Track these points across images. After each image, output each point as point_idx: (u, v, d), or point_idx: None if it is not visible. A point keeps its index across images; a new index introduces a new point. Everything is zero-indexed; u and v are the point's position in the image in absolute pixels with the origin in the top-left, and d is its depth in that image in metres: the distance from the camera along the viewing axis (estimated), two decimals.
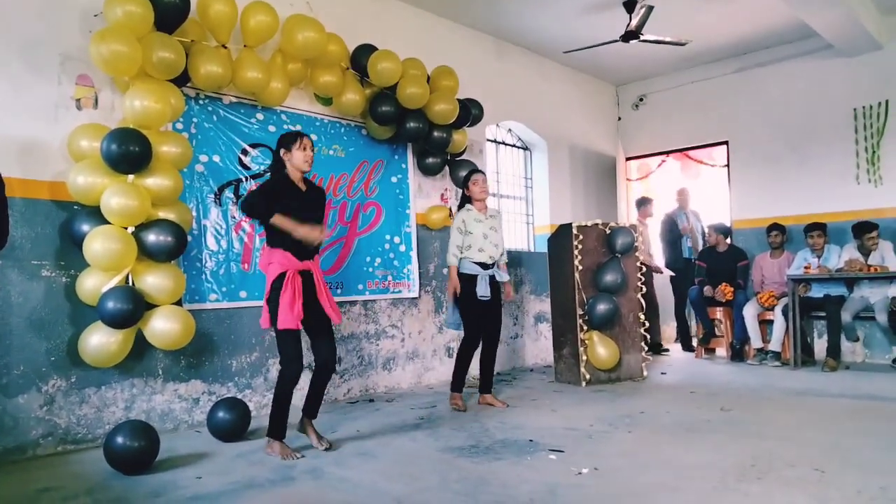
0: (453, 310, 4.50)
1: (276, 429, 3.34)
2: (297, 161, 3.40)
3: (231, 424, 3.63)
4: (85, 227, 3.47)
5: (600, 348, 5.13)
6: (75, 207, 3.59)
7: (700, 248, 7.22)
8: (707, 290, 6.58)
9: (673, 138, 7.86)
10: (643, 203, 7.41)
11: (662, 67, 7.61)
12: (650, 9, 5.40)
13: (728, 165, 7.44)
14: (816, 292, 6.03)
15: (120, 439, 3.03)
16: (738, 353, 6.42)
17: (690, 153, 8.03)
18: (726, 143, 7.43)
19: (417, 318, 5.51)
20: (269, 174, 3.58)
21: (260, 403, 4.36)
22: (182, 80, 3.89)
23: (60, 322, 3.55)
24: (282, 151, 3.43)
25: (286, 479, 2.95)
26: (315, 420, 3.54)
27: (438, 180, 5.73)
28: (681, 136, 7.80)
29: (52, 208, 3.57)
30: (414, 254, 5.47)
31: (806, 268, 5.94)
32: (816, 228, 6.07)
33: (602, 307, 5.12)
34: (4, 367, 3.33)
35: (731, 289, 6.43)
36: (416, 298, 5.48)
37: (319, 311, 3.40)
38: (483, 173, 4.64)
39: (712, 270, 6.66)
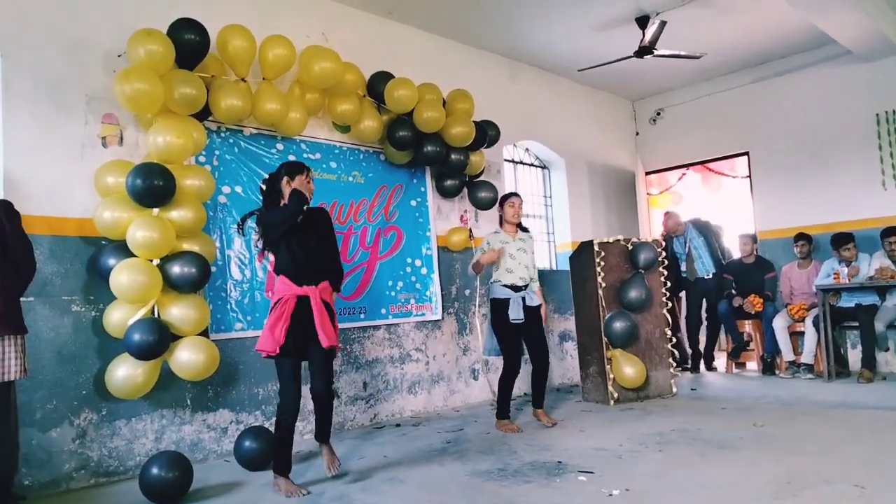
0: (490, 336, 4.45)
1: (279, 465, 3.21)
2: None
3: (258, 453, 3.64)
4: (112, 261, 3.53)
5: (626, 367, 5.05)
6: (102, 242, 3.67)
7: (701, 267, 6.94)
8: (736, 300, 6.47)
9: (692, 151, 7.82)
10: (669, 218, 7.30)
11: (678, 81, 7.59)
12: (663, 24, 5.41)
13: (750, 176, 7.36)
14: (846, 301, 5.90)
15: (155, 470, 3.06)
16: (769, 367, 6.29)
17: (711, 165, 7.97)
18: (747, 153, 7.36)
19: (441, 340, 5.50)
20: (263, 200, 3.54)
21: None
22: (203, 114, 3.97)
23: (90, 356, 3.61)
24: (284, 180, 3.37)
25: None
26: (340, 443, 3.53)
27: (457, 202, 5.75)
28: (700, 149, 7.75)
29: (80, 244, 3.65)
30: (436, 276, 5.48)
31: (835, 276, 5.82)
32: (847, 241, 5.89)
33: (618, 325, 5.05)
34: (38, 402, 3.39)
35: (760, 300, 6.32)
36: (439, 321, 5.48)
37: (316, 337, 3.25)
38: (520, 197, 4.64)
39: (740, 282, 6.56)
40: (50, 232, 3.49)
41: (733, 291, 6.57)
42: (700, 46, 6.14)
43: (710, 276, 6.78)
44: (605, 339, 5.11)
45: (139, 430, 3.73)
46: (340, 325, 4.76)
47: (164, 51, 3.65)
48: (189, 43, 3.80)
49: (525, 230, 4.64)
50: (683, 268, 6.93)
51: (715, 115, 7.57)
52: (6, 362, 2.96)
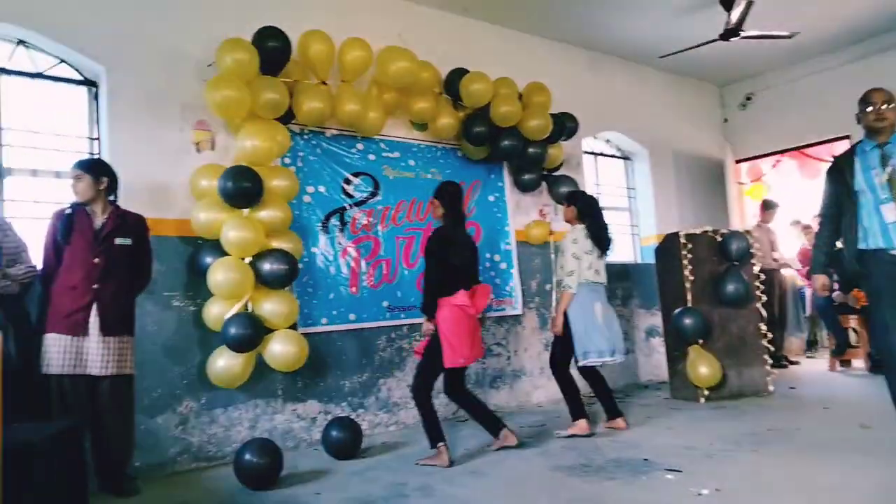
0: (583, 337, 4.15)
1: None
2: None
3: (345, 443, 3.76)
4: (208, 260, 3.76)
5: (701, 366, 4.78)
6: (199, 242, 3.89)
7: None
8: (837, 295, 6.07)
9: (787, 136, 7.39)
10: (767, 207, 6.93)
11: (770, 63, 7.19)
12: (750, 3, 5.14)
13: None
14: None
15: (248, 456, 3.23)
16: (878, 365, 5.85)
17: (808, 151, 7.50)
18: (847, 137, 6.87)
19: (522, 335, 5.47)
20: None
21: (372, 423, 4.49)
22: (287, 117, 4.14)
23: (190, 348, 3.85)
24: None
25: (399, 496, 3.00)
26: (423, 436, 3.64)
27: (536, 196, 5.70)
28: (796, 134, 7.31)
29: (179, 244, 3.89)
30: (515, 271, 5.45)
31: None
32: None
33: (687, 321, 4.82)
34: (145, 391, 3.64)
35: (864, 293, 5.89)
36: (519, 315, 5.45)
37: None
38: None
39: (843, 275, 6.13)
40: (152, 233, 3.73)
41: (835, 286, 6.15)
42: (792, 25, 5.78)
43: None
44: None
45: (235, 419, 3.94)
46: (422, 320, 4.85)
47: (250, 58, 3.83)
48: (272, 50, 3.97)
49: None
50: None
51: (811, 98, 7.12)
52: (128, 358, 3.26)
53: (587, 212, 4.21)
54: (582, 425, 4.01)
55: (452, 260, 3.61)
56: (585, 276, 4.10)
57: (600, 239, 4.16)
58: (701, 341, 4.90)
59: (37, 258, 3.28)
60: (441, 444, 3.53)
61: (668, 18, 5.82)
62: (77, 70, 3.88)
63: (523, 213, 5.60)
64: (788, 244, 7.17)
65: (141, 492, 3.26)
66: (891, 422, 3.86)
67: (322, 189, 4.52)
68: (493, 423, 3.77)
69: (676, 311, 4.93)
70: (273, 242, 3.90)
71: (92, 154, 3.84)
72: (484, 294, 3.77)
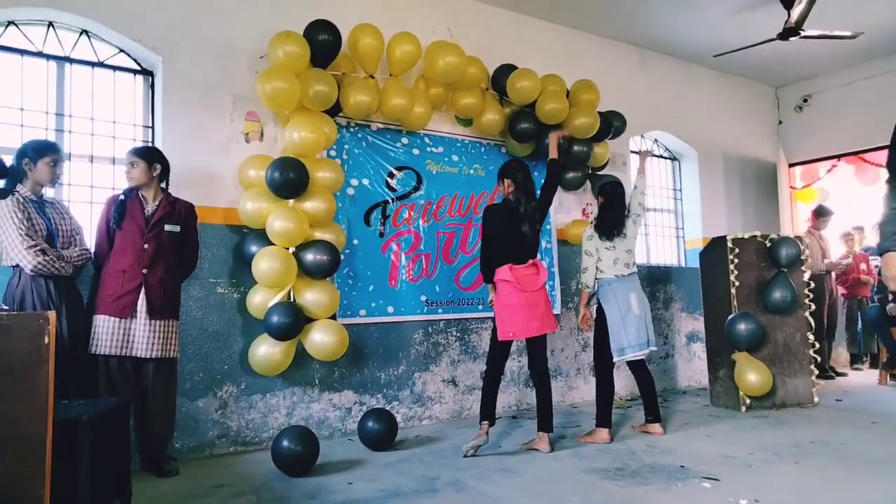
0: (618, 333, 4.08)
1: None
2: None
3: (381, 434, 3.80)
4: (253, 248, 3.84)
5: (750, 373, 4.65)
6: (245, 231, 3.98)
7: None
8: (891, 308, 5.84)
9: (844, 140, 7.12)
10: (821, 213, 6.70)
11: (829, 64, 6.94)
12: (812, 1, 4.96)
13: None
14: None
15: (286, 443, 3.29)
16: None
17: (866, 156, 7.22)
18: None
19: (560, 335, 5.43)
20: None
21: (406, 415, 4.53)
22: (335, 110, 4.18)
23: (232, 334, 3.94)
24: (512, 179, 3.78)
25: (430, 490, 3.02)
26: (456, 430, 3.61)
27: (579, 195, 5.64)
28: (854, 138, 7.04)
29: (226, 232, 3.99)
30: (555, 270, 5.41)
31: None
32: None
33: (743, 326, 4.66)
34: (187, 374, 3.75)
35: None
36: (558, 315, 5.41)
37: None
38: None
39: None
40: (200, 220, 3.83)
41: (889, 296, 5.93)
42: (855, 25, 5.56)
43: None
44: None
45: (273, 405, 4.02)
46: (459, 316, 4.88)
47: (301, 51, 3.88)
48: (323, 43, 4.01)
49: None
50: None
51: (872, 101, 6.85)
52: (172, 342, 3.37)
53: (606, 199, 4.18)
54: (603, 435, 3.95)
55: (488, 234, 3.75)
56: (614, 272, 4.07)
57: (604, 221, 4.11)
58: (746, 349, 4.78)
59: (90, 241, 3.40)
60: (484, 422, 3.67)
61: (723, 16, 5.67)
62: (135, 60, 4.00)
63: (566, 212, 5.55)
64: (836, 255, 6.91)
65: (179, 472, 3.36)
66: None
67: (366, 182, 4.56)
68: (543, 419, 3.73)
69: (732, 315, 4.79)
70: (317, 233, 3.96)
71: (146, 142, 3.96)
72: (529, 269, 3.75)
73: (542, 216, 3.88)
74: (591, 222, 4.29)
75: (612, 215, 4.13)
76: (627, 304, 4.00)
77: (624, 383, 4.31)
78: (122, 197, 3.36)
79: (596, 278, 4.12)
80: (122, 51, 3.96)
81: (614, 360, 3.99)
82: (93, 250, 3.35)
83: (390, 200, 4.65)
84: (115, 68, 3.95)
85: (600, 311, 4.10)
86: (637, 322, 3.99)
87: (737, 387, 4.78)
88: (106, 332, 3.20)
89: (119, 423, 2.55)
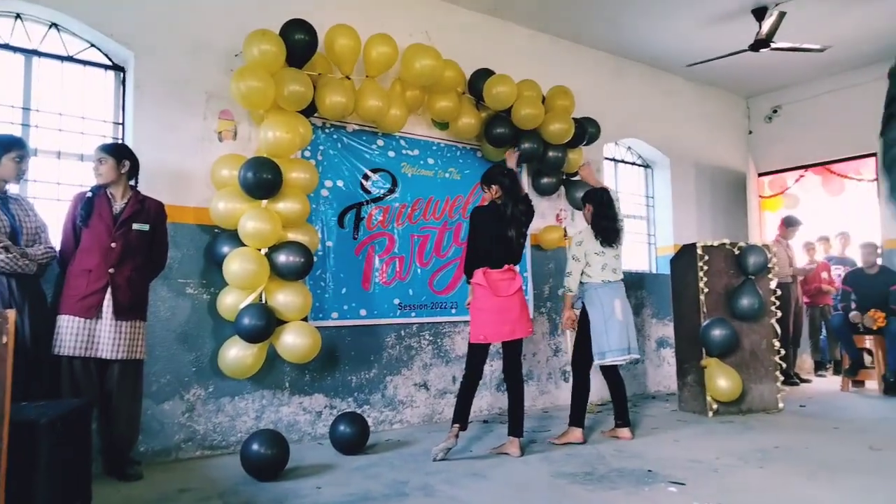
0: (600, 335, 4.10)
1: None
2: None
3: (352, 438, 3.77)
4: (225, 249, 3.79)
5: (720, 379, 4.74)
6: (216, 231, 3.92)
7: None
8: (854, 316, 6.00)
9: (812, 151, 7.29)
10: (789, 223, 6.84)
11: (798, 76, 7.10)
12: (782, 14, 5.08)
13: (877, 179, 6.76)
14: None
15: (256, 446, 3.25)
16: (891, 387, 5.76)
17: (833, 167, 7.40)
18: (874, 154, 6.77)
19: (532, 340, 5.45)
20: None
21: (378, 419, 4.50)
22: (310, 110, 4.15)
23: (201, 336, 3.88)
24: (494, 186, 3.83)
25: (400, 494, 3.01)
26: (427, 435, 3.60)
27: (554, 200, 5.68)
28: (821, 149, 7.21)
29: (197, 232, 3.93)
30: (528, 275, 5.44)
31: None
32: None
33: (717, 332, 4.75)
34: (153, 376, 3.68)
35: (882, 314, 5.81)
36: (531, 319, 5.42)
37: None
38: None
39: (861, 295, 6.06)
40: (170, 219, 3.76)
41: (852, 305, 6.09)
42: (824, 38, 5.71)
43: None
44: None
45: (241, 409, 3.97)
46: (432, 319, 4.87)
47: (277, 50, 3.85)
48: (299, 42, 3.98)
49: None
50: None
51: (839, 113, 7.02)
52: (139, 343, 3.31)
53: (597, 207, 4.19)
54: (576, 434, 4.01)
55: (476, 235, 3.80)
56: (601, 277, 4.10)
57: (605, 230, 4.12)
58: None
59: (56, 239, 3.33)
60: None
61: (697, 27, 5.77)
62: (106, 55, 3.93)
63: (540, 217, 5.56)
64: (801, 264, 7.06)
65: (144, 477, 3.30)
66: None
67: (340, 183, 4.53)
68: (514, 424, 3.74)
69: (707, 321, 4.86)
70: (290, 234, 3.92)
71: (116, 139, 3.89)
72: (504, 275, 3.77)
73: (529, 220, 3.93)
74: (580, 231, 4.32)
75: (610, 224, 4.15)
76: (611, 309, 4.05)
77: (595, 389, 4.34)
78: (89, 194, 3.29)
79: (582, 282, 4.17)
80: (92, 45, 3.88)
81: (596, 362, 4.04)
82: (58, 248, 3.28)
83: (365, 202, 4.63)
84: (85, 63, 3.87)
85: (584, 314, 4.15)
86: (619, 328, 4.03)
87: (705, 392, 4.86)
88: (70, 333, 3.13)
89: (80, 426, 2.49)
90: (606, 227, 4.14)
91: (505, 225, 3.77)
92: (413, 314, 4.77)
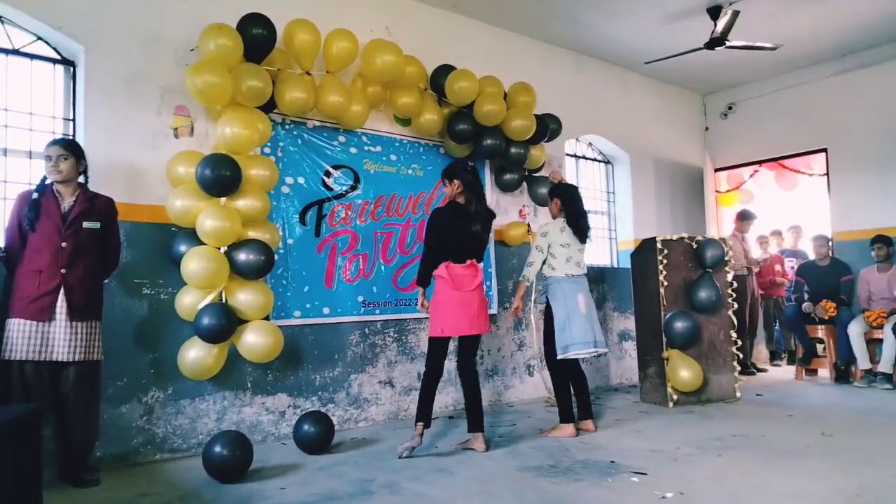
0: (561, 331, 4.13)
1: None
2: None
3: (316, 437, 3.73)
4: (182, 248, 3.70)
5: (682, 370, 4.85)
6: (173, 229, 3.83)
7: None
8: (806, 306, 6.20)
9: (766, 147, 7.49)
10: (744, 217, 7.02)
11: (753, 74, 7.28)
12: (736, 13, 5.20)
13: (827, 174, 6.99)
14: None
15: (218, 448, 3.18)
16: (842, 375, 5.98)
17: (786, 162, 7.63)
18: (825, 150, 7.00)
19: (496, 335, 5.48)
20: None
21: (342, 418, 4.47)
22: (269, 106, 4.08)
23: (159, 337, 3.78)
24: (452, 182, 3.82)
25: (365, 492, 2.99)
26: (392, 432, 3.59)
27: (516, 196, 5.71)
28: (775, 145, 7.42)
29: (153, 231, 3.82)
30: (492, 270, 5.46)
31: None
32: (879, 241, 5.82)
33: (679, 325, 4.87)
34: (109, 379, 3.57)
35: (833, 305, 6.02)
36: (494, 315, 5.46)
37: None
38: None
39: (813, 286, 6.26)
40: (124, 218, 3.66)
41: (805, 296, 6.29)
42: (776, 37, 5.87)
43: None
44: (665, 339, 4.97)
45: (202, 410, 3.89)
46: (397, 316, 4.85)
47: (234, 45, 3.77)
48: (257, 37, 3.91)
49: None
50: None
51: (791, 110, 7.23)
52: (95, 344, 3.22)
53: (567, 202, 4.22)
54: (568, 430, 4.04)
55: (438, 235, 3.75)
56: (565, 270, 4.14)
57: (578, 226, 4.17)
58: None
59: (0, 240, 3.20)
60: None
61: (655, 25, 5.86)
62: (55, 49, 3.79)
63: (503, 213, 5.61)
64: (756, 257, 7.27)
65: (101, 483, 3.21)
66: (851, 430, 3.96)
67: (301, 180, 4.47)
68: (473, 419, 3.75)
69: (670, 313, 4.95)
70: (250, 232, 3.85)
71: (66, 135, 3.76)
72: (466, 269, 3.76)
73: (492, 217, 3.94)
74: (546, 224, 4.33)
75: (581, 219, 4.20)
76: (575, 303, 4.09)
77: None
78: (35, 195, 3.15)
79: (546, 276, 4.20)
80: (40, 38, 3.74)
81: (558, 356, 4.05)
82: (4, 249, 3.16)
83: (327, 199, 4.58)
84: (32, 57, 3.73)
85: (548, 309, 4.17)
86: (582, 321, 4.07)
87: (665, 383, 4.96)
88: (21, 337, 3.02)
89: (30, 432, 2.40)
90: (580, 224, 4.18)
91: (470, 221, 3.77)
92: (377, 311, 4.74)
